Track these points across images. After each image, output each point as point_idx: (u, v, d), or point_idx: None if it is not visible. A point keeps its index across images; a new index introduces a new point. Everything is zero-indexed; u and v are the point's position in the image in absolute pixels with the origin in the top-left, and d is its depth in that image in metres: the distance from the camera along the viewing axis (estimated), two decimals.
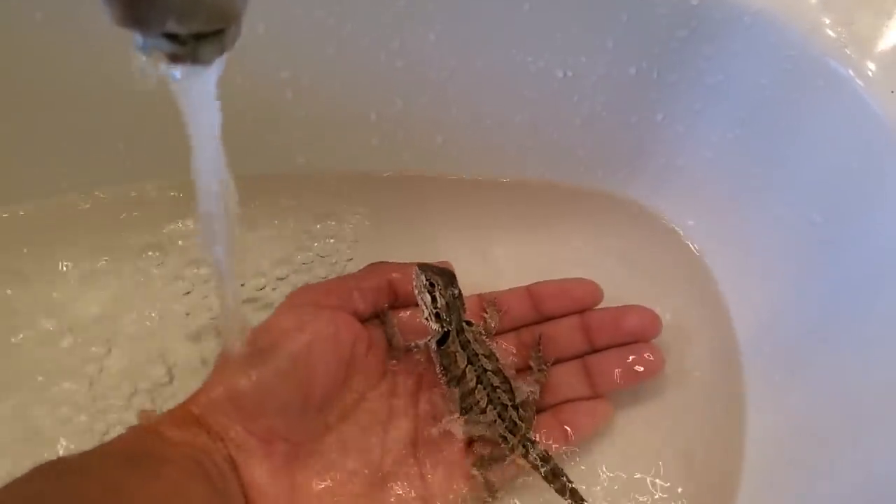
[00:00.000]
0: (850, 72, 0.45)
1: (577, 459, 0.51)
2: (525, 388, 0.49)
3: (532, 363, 0.51)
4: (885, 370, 0.44)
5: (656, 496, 0.50)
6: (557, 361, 0.51)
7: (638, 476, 0.51)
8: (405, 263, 0.50)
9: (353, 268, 0.49)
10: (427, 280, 0.47)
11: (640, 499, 0.50)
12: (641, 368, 0.50)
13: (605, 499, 0.50)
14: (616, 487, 0.50)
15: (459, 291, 0.48)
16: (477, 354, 0.47)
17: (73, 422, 0.50)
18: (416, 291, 0.48)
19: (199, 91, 0.30)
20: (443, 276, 0.47)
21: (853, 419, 0.45)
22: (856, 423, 0.44)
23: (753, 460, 0.49)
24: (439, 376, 0.48)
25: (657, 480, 0.50)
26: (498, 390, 0.47)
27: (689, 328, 0.55)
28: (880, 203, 0.45)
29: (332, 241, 0.57)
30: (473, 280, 0.51)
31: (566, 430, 0.50)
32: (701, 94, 0.52)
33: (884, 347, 0.44)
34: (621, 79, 0.52)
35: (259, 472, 0.43)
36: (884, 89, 0.44)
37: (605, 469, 0.51)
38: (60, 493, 0.34)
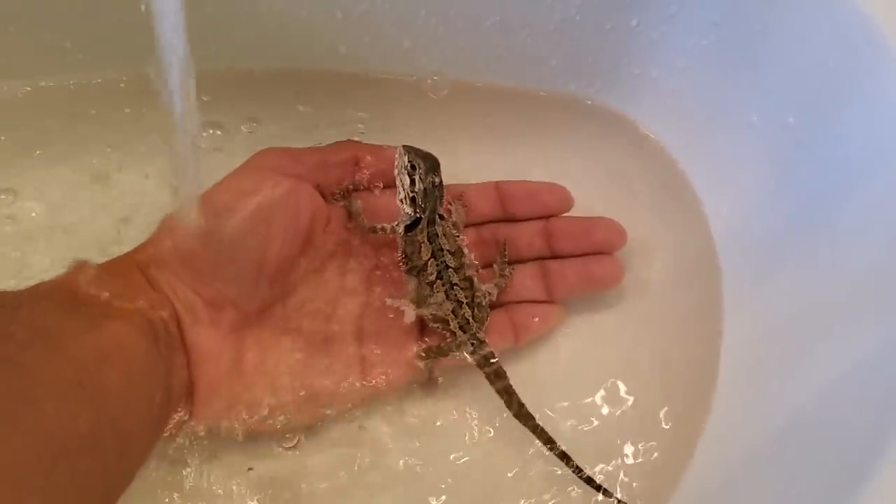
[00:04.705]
0: None
1: (543, 362, 0.50)
2: (483, 289, 0.48)
3: (495, 267, 0.50)
4: (856, 267, 0.43)
5: (630, 400, 0.49)
6: (517, 262, 0.50)
7: (611, 382, 0.50)
8: (376, 145, 0.49)
9: None
10: (409, 161, 0.45)
11: (613, 405, 0.49)
12: (600, 279, 0.50)
13: (576, 404, 0.49)
14: (590, 393, 0.49)
15: (440, 181, 0.46)
16: (442, 250, 0.46)
17: None
18: (396, 171, 0.46)
19: None
20: (426, 161, 0.46)
21: (824, 316, 0.44)
22: (827, 320, 0.44)
23: (728, 362, 0.48)
24: (399, 263, 0.47)
25: (631, 385, 0.50)
26: (456, 287, 0.46)
27: (666, 235, 0.54)
28: (859, 99, 0.44)
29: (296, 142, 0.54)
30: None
31: (516, 330, 0.49)
32: None
33: (855, 244, 0.44)
34: None
35: (205, 337, 0.41)
36: None
37: (576, 376, 0.50)
38: None
